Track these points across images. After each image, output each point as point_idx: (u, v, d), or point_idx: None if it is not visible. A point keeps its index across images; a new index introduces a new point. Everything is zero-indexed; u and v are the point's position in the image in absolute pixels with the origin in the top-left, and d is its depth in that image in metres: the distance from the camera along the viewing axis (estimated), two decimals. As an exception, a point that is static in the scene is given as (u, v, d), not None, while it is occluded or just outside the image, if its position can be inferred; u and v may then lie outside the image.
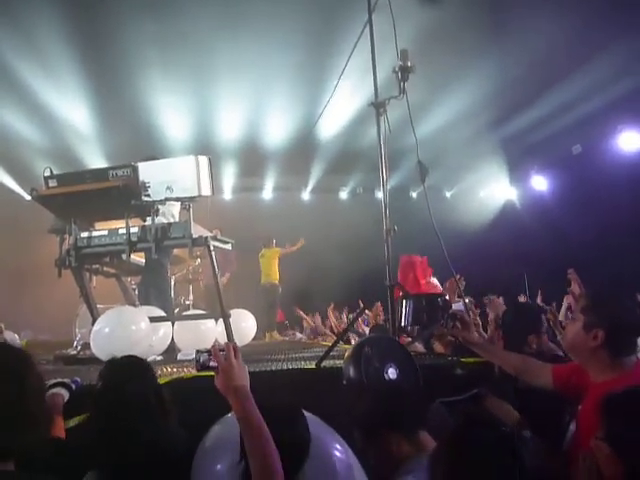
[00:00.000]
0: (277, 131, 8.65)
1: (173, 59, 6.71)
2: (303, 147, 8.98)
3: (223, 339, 4.62)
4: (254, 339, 5.65)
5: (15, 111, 7.32)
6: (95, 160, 8.55)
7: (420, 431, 1.85)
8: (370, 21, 3.68)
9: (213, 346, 1.78)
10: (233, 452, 1.93)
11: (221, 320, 4.44)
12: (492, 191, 12.85)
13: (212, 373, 1.76)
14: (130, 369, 1.98)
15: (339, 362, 3.14)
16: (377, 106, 3.50)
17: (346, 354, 2.58)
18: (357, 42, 3.92)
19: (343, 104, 7.52)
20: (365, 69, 3.62)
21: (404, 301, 3.32)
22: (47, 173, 4.13)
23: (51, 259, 4.34)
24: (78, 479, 1.84)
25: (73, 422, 2.30)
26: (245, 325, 5.30)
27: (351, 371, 2.43)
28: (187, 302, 6.83)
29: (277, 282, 8.63)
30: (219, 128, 8.42)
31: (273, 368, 3.14)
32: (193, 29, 6.13)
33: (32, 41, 5.94)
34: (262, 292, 8.62)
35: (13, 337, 6.51)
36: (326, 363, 3.16)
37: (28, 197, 9.79)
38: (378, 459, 1.89)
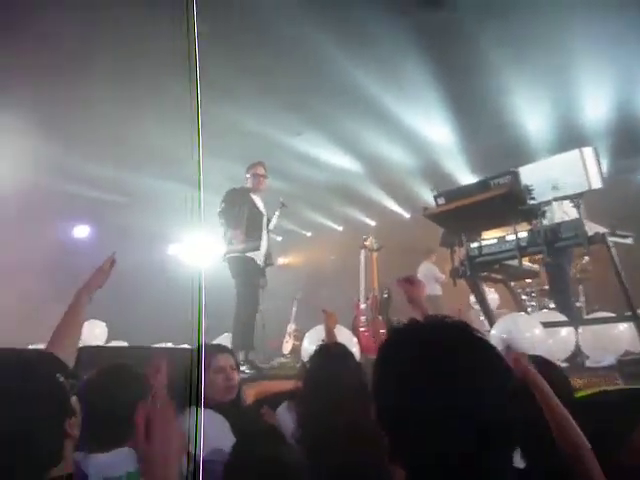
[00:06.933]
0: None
1: (526, 56, 6.45)
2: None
3: (634, 344, 4.14)
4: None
5: (387, 140, 8.23)
6: (462, 173, 8.90)
7: None
8: None
9: None
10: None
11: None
12: None
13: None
14: None
15: None
16: None
17: None
18: None
19: None
20: None
21: None
22: (435, 192, 4.53)
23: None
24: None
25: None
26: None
27: None
28: (578, 304, 6.36)
29: None
30: (583, 114, 7.66)
31: None
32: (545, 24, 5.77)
33: (393, 72, 6.53)
34: None
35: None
36: None
37: (407, 215, 11.06)
38: None
